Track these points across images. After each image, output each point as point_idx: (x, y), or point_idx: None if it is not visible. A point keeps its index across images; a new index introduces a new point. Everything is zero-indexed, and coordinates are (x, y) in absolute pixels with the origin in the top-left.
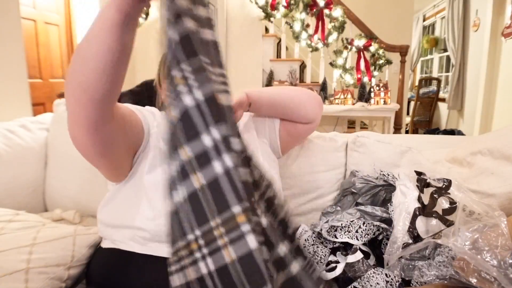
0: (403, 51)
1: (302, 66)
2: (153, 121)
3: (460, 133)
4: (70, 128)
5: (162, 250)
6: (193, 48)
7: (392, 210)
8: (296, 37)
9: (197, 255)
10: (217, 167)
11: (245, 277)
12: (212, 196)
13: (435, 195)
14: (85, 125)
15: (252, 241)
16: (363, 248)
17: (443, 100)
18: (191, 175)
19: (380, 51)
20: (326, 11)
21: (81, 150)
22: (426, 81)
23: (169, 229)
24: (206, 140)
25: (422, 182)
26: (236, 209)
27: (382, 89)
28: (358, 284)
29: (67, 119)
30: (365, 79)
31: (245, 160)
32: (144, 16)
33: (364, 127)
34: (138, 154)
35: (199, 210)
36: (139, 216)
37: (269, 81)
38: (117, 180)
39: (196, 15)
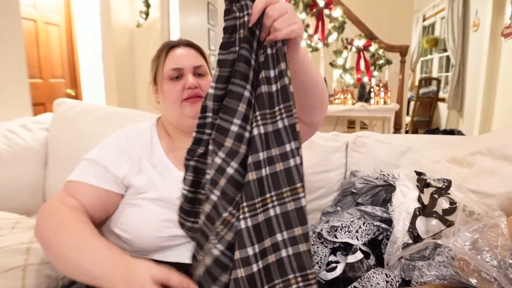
0: (403, 51)
1: None
2: (122, 160)
3: (460, 133)
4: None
5: (158, 254)
6: (287, 95)
7: (392, 210)
8: None
9: (269, 206)
10: (291, 162)
11: (297, 218)
12: (286, 176)
13: (435, 195)
14: None
15: (304, 201)
16: (363, 248)
17: (443, 100)
18: (276, 163)
19: (380, 51)
20: (326, 11)
21: None
22: (426, 81)
23: (248, 192)
24: (288, 147)
25: (422, 182)
26: (298, 184)
27: (382, 89)
28: (358, 284)
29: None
30: (365, 79)
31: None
32: (144, 16)
33: (364, 127)
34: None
35: (277, 182)
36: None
37: None
38: None
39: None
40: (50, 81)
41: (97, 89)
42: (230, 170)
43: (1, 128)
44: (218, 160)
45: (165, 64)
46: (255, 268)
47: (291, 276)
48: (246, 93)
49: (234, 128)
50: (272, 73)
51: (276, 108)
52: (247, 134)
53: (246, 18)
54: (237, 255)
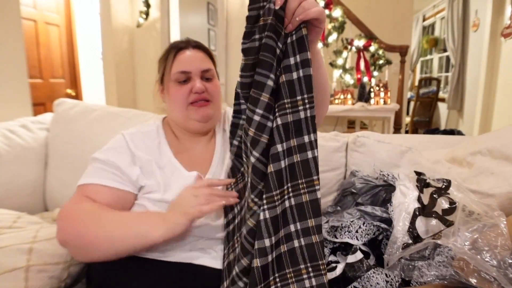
0: (403, 51)
1: None
2: (133, 162)
3: (460, 133)
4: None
5: (159, 253)
6: (311, 86)
7: (392, 210)
8: None
9: (286, 197)
10: (309, 154)
11: (311, 210)
12: (303, 168)
13: (434, 195)
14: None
15: (319, 194)
16: (363, 248)
17: (442, 100)
18: (294, 155)
19: (380, 51)
20: (326, 11)
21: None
22: (426, 81)
23: (266, 184)
24: (306, 139)
25: (421, 182)
26: (315, 177)
27: (382, 89)
28: (358, 284)
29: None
30: (365, 79)
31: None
32: (144, 16)
33: (364, 127)
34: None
35: (293, 173)
36: None
37: None
38: None
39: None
40: (50, 81)
41: (97, 89)
42: (252, 159)
43: (1, 128)
44: (245, 149)
45: (173, 66)
46: (269, 258)
47: (302, 266)
48: (270, 83)
49: (257, 118)
50: (292, 60)
51: (299, 97)
52: (269, 124)
53: (270, 5)
54: (255, 245)
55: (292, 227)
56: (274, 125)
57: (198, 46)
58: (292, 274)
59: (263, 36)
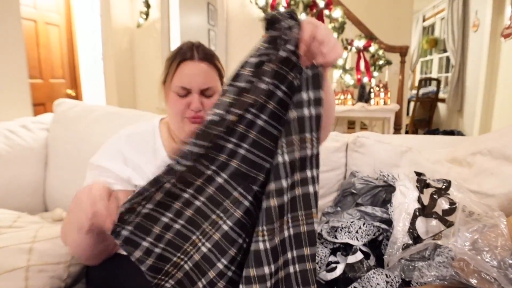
0: (402, 51)
1: None
2: (123, 163)
3: (460, 133)
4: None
5: None
6: (319, 125)
7: (392, 211)
8: None
9: (285, 227)
10: (311, 189)
11: (308, 240)
12: (304, 201)
13: (434, 196)
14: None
15: (316, 225)
16: (363, 248)
17: (443, 100)
18: (296, 188)
19: (380, 52)
20: (326, 11)
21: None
22: (426, 81)
23: (268, 217)
24: (309, 174)
25: (421, 183)
26: (314, 210)
27: (382, 89)
28: (358, 284)
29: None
30: (365, 79)
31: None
32: (144, 16)
33: (364, 127)
34: None
35: (294, 205)
36: None
37: None
38: None
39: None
40: (50, 81)
41: (97, 89)
42: (246, 203)
43: (2, 128)
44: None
45: (174, 78)
46: (268, 284)
47: None
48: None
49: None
50: (305, 96)
51: (308, 135)
52: (267, 165)
53: (283, 54)
54: (253, 272)
55: (289, 255)
56: (281, 160)
57: (205, 58)
58: None
59: (269, 81)
